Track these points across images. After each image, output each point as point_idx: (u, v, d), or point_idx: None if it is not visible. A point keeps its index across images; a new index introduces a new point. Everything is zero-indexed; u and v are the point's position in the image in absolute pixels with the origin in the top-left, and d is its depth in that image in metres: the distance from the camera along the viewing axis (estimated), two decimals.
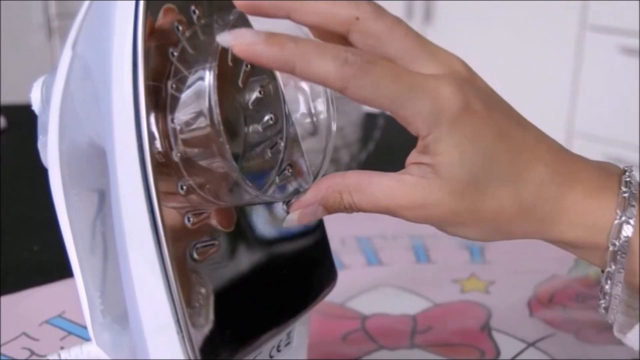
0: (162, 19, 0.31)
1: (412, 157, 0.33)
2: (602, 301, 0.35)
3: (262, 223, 0.34)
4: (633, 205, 0.33)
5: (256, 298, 0.34)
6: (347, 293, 0.56)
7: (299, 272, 0.36)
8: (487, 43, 2.02)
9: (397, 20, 0.33)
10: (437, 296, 0.56)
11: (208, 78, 0.30)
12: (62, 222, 0.38)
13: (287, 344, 0.37)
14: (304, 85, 0.36)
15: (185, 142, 0.30)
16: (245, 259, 0.33)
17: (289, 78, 0.36)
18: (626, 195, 0.34)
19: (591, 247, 0.34)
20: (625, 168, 0.35)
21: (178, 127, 0.30)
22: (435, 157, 0.32)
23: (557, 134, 1.95)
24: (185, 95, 0.30)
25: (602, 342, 0.51)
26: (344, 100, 0.36)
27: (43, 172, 0.38)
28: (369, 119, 0.83)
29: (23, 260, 0.61)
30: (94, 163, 0.35)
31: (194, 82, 0.30)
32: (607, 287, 0.34)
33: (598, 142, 1.91)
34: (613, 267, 0.34)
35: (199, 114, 0.30)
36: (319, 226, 0.38)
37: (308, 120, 0.36)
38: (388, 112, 0.32)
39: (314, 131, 0.36)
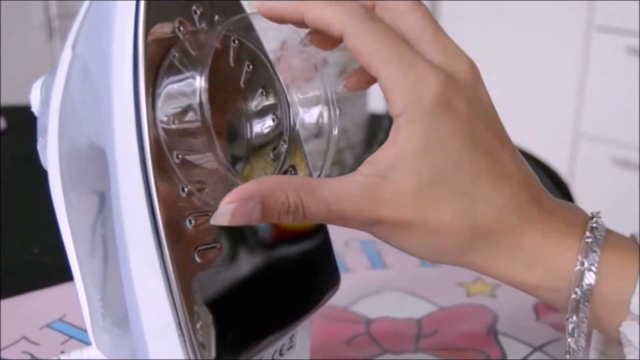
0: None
1: (369, 158, 0.32)
2: (568, 350, 0.33)
3: (264, 226, 0.34)
4: (595, 252, 0.32)
5: (258, 301, 0.33)
6: (351, 296, 0.56)
7: (301, 275, 0.36)
8: (492, 43, 2.02)
9: (419, 3, 0.33)
10: (442, 300, 0.56)
11: (199, 80, 0.30)
12: (61, 224, 0.38)
13: (290, 347, 0.37)
14: (307, 87, 0.35)
15: (179, 138, 0.30)
16: (247, 262, 0.33)
17: (292, 79, 0.36)
18: (589, 240, 0.32)
19: (550, 292, 0.33)
20: (593, 214, 0.34)
21: (172, 124, 0.30)
22: (401, 144, 0.31)
23: (563, 135, 1.96)
24: (175, 91, 0.30)
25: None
26: (347, 102, 0.36)
27: (43, 174, 0.38)
28: (373, 120, 0.82)
29: (23, 262, 0.61)
30: (94, 164, 0.35)
31: (185, 79, 0.30)
32: (569, 340, 0.33)
33: (604, 144, 1.90)
34: (575, 317, 0.32)
35: (189, 109, 0.30)
36: (322, 228, 0.37)
37: (311, 121, 0.36)
38: (374, 76, 0.32)
39: (317, 133, 0.36)
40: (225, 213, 0.29)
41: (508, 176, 0.33)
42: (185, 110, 0.30)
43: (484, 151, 0.32)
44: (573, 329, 0.32)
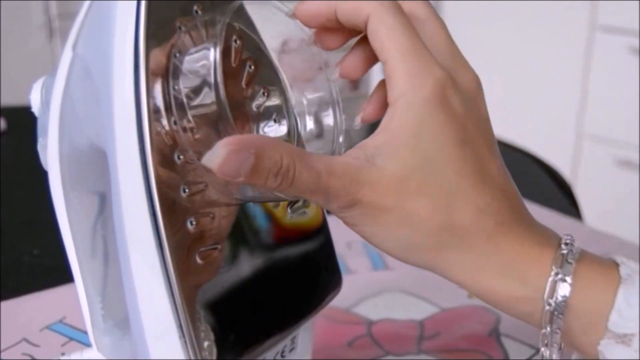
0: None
1: (359, 143, 0.32)
2: None
3: (265, 227, 0.34)
4: (570, 263, 0.32)
5: (259, 303, 0.33)
6: (352, 298, 0.56)
7: (303, 277, 0.36)
8: (495, 44, 2.02)
9: (438, 16, 0.35)
10: (444, 301, 0.56)
11: (213, 54, 0.30)
12: (62, 225, 0.37)
13: (292, 349, 0.36)
14: (310, 86, 0.35)
15: (191, 127, 0.30)
16: (249, 264, 0.33)
17: (294, 79, 0.36)
18: (565, 252, 0.32)
19: (523, 303, 0.32)
20: (566, 235, 0.34)
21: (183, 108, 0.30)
22: (393, 130, 0.31)
23: (566, 136, 1.96)
24: (190, 74, 0.30)
25: None
26: (350, 103, 0.36)
27: (43, 175, 0.38)
28: (375, 121, 0.82)
29: (23, 264, 0.60)
30: (94, 165, 0.35)
31: (198, 59, 0.30)
32: (543, 350, 0.32)
33: (607, 144, 1.90)
34: (549, 328, 0.32)
35: (204, 91, 0.30)
36: (324, 229, 0.37)
37: (313, 122, 0.36)
38: (383, 60, 0.33)
39: (319, 133, 0.36)
40: (218, 155, 0.28)
41: (492, 182, 0.33)
42: (198, 93, 0.30)
43: (472, 153, 0.32)
44: (546, 341, 0.32)
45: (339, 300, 0.39)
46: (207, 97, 0.31)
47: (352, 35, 0.35)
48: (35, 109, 0.38)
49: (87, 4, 0.34)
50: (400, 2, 0.34)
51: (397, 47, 0.32)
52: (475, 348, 0.50)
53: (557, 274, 0.32)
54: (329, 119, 0.35)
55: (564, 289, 0.31)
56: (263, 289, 0.33)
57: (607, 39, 1.87)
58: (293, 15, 0.34)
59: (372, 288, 0.58)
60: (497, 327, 0.53)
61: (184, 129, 0.30)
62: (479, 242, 0.32)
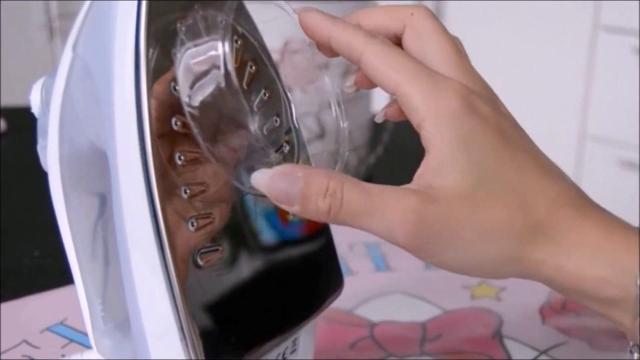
0: None
1: (415, 175, 0.32)
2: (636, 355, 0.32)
3: (266, 228, 0.34)
4: None
5: (260, 305, 0.33)
6: (355, 300, 0.56)
7: (304, 278, 0.36)
8: (498, 44, 2.02)
9: (445, 29, 0.34)
10: (447, 303, 0.56)
11: (221, 47, 0.30)
12: (62, 226, 0.37)
13: (293, 351, 0.36)
14: (311, 88, 0.35)
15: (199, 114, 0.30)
16: (250, 265, 0.33)
17: (296, 80, 0.35)
18: None
19: (612, 289, 0.31)
20: None
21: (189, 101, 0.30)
22: (433, 151, 0.31)
23: (569, 137, 1.95)
24: (196, 68, 0.30)
25: (616, 350, 0.50)
26: (352, 103, 0.35)
27: (43, 176, 0.37)
28: (377, 122, 0.82)
29: (23, 265, 0.60)
30: (94, 166, 0.35)
31: (206, 51, 0.31)
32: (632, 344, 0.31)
33: (611, 145, 1.90)
34: None
35: (214, 85, 0.30)
36: (325, 230, 0.37)
37: (314, 123, 0.36)
38: (391, 90, 0.32)
39: (320, 134, 0.36)
40: (266, 174, 0.30)
41: (553, 170, 0.32)
42: (202, 91, 0.30)
43: (521, 149, 0.32)
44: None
45: (341, 302, 0.39)
46: (211, 93, 0.30)
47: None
48: (35, 109, 0.38)
49: (87, 4, 0.34)
50: (407, 15, 0.34)
51: (402, 71, 0.32)
52: (478, 350, 0.50)
53: None
54: (330, 119, 0.35)
55: None
56: (264, 290, 0.33)
57: (610, 39, 1.87)
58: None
59: (374, 290, 0.57)
60: (500, 329, 0.52)
61: (185, 130, 0.30)
62: (563, 232, 0.31)
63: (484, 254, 0.31)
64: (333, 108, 0.35)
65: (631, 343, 0.31)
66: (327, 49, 0.34)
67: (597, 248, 0.31)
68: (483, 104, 0.32)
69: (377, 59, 0.32)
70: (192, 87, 0.30)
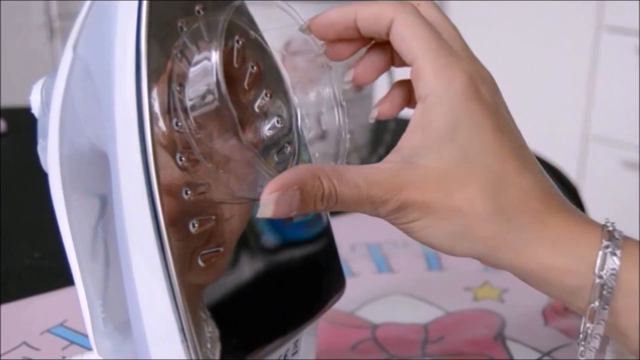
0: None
1: (396, 146, 0.33)
2: (581, 343, 0.33)
3: (267, 229, 0.34)
4: (618, 239, 0.32)
5: (262, 306, 0.33)
6: (356, 301, 0.56)
7: (306, 280, 0.36)
8: (500, 44, 2.01)
9: (449, 20, 0.36)
10: (449, 304, 0.56)
11: (214, 57, 0.30)
12: (62, 227, 0.37)
13: (295, 353, 0.36)
14: (313, 88, 0.35)
15: (196, 124, 0.30)
16: (251, 266, 0.33)
17: (298, 80, 0.35)
18: (610, 229, 0.33)
19: (571, 278, 0.33)
20: (607, 219, 0.34)
21: (189, 104, 0.30)
22: (429, 125, 0.32)
23: (572, 138, 1.95)
24: (192, 74, 0.31)
25: None
26: (353, 104, 0.35)
27: (43, 177, 0.37)
28: (380, 122, 0.82)
29: (23, 267, 0.60)
30: (95, 167, 0.35)
31: (200, 61, 0.31)
32: (589, 325, 0.33)
33: (614, 146, 1.89)
34: (597, 303, 0.32)
35: (206, 91, 0.30)
36: (327, 231, 0.37)
37: (316, 124, 0.36)
38: (409, 61, 0.34)
39: (322, 135, 0.36)
40: (268, 204, 0.30)
41: (531, 165, 0.34)
42: (201, 93, 0.31)
43: (509, 138, 0.33)
44: (592, 313, 0.32)
45: (343, 304, 0.38)
46: (209, 97, 0.30)
47: (363, 44, 0.36)
48: (36, 110, 0.38)
49: (87, 4, 0.34)
50: (414, 4, 0.35)
51: (424, 46, 0.33)
52: (480, 352, 0.50)
53: (607, 247, 0.32)
54: (332, 120, 0.35)
55: (613, 262, 0.32)
56: (266, 291, 0.33)
57: (614, 39, 1.86)
58: (307, 29, 0.35)
59: (376, 291, 0.57)
60: (502, 331, 0.52)
61: (186, 130, 0.30)
62: (528, 222, 0.33)
63: (452, 232, 0.33)
64: (333, 109, 0.35)
65: (581, 336, 0.33)
66: (344, 45, 0.35)
67: (559, 239, 0.33)
68: (486, 91, 0.33)
69: (406, 29, 0.33)
70: (189, 97, 0.30)
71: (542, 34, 1.97)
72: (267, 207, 0.30)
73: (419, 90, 0.33)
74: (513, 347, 0.50)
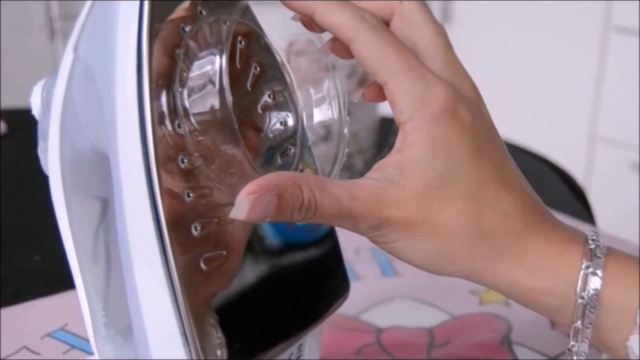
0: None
1: (377, 164, 0.33)
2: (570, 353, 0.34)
3: (270, 232, 0.33)
4: (600, 257, 0.33)
5: (265, 310, 0.33)
6: (361, 305, 0.55)
7: (309, 283, 0.35)
8: (506, 44, 2.01)
9: (436, 21, 0.35)
10: (455, 308, 0.56)
11: (219, 61, 0.30)
12: (63, 230, 0.37)
13: (298, 357, 0.36)
14: (317, 88, 0.35)
15: (197, 130, 0.30)
16: (254, 269, 0.32)
17: (301, 81, 0.35)
18: (592, 247, 0.33)
19: (556, 297, 0.33)
20: (592, 231, 0.34)
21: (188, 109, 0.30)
22: (409, 149, 0.32)
23: (579, 139, 1.94)
24: (195, 77, 0.31)
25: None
26: (358, 106, 0.35)
27: (44, 179, 0.37)
28: (383, 124, 0.82)
29: (24, 270, 0.60)
30: (96, 169, 0.35)
31: (203, 64, 0.31)
32: (573, 344, 0.33)
33: (621, 148, 1.89)
34: (579, 322, 0.32)
35: (209, 96, 0.30)
36: (331, 234, 0.37)
37: (320, 125, 0.35)
38: (380, 83, 0.33)
39: (326, 137, 0.36)
40: (243, 205, 0.29)
41: (511, 185, 0.34)
42: (204, 96, 0.30)
43: (488, 160, 0.33)
44: (575, 332, 0.33)
45: (347, 307, 0.38)
46: (212, 101, 0.30)
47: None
48: (36, 111, 0.38)
49: (88, 4, 0.34)
50: (396, 4, 0.34)
51: (392, 69, 0.32)
52: (486, 356, 0.50)
53: (587, 267, 0.32)
54: (335, 122, 0.35)
55: (595, 282, 0.32)
56: (269, 295, 0.33)
57: (622, 39, 1.85)
58: (298, 19, 0.34)
59: (381, 295, 0.57)
60: (508, 335, 0.52)
61: (188, 132, 0.30)
62: (508, 244, 0.33)
63: (432, 252, 0.33)
64: (336, 111, 0.35)
65: (572, 343, 0.33)
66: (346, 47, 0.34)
67: (538, 261, 0.33)
68: (465, 110, 0.33)
69: (368, 51, 0.32)
70: (190, 98, 0.30)
71: (549, 35, 1.96)
72: (241, 209, 0.29)
73: (397, 116, 0.33)
74: (520, 351, 0.50)
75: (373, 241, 0.33)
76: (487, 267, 0.33)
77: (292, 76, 0.35)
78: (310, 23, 0.34)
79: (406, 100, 0.32)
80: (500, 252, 0.33)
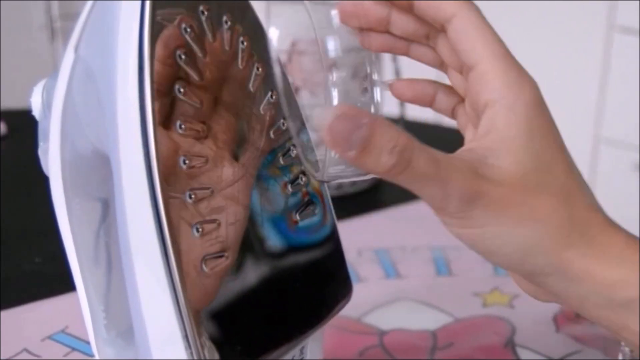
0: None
1: (466, 147, 0.32)
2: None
3: (273, 234, 0.33)
4: None
5: (267, 312, 0.33)
6: (364, 307, 0.55)
7: (312, 285, 0.35)
8: (509, 44, 2.00)
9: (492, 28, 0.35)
10: (458, 310, 0.55)
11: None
12: (63, 232, 0.37)
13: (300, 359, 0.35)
14: (318, 89, 0.35)
15: None
16: (256, 271, 0.32)
17: (303, 81, 0.35)
18: None
19: (633, 292, 0.31)
20: None
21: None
22: (501, 130, 0.32)
23: (584, 140, 1.94)
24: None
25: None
26: (361, 106, 0.35)
27: (44, 180, 0.37)
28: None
29: (24, 272, 0.60)
30: (97, 170, 0.35)
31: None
32: None
33: (626, 149, 1.88)
34: None
35: None
36: (334, 236, 0.37)
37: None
38: (470, 63, 0.33)
39: None
40: (330, 111, 0.26)
41: (585, 183, 0.34)
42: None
43: (569, 155, 0.34)
44: None
45: (350, 310, 0.38)
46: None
47: (398, 45, 0.36)
48: (36, 112, 0.38)
49: (89, 4, 0.33)
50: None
51: (492, 51, 0.33)
52: (490, 359, 0.50)
53: None
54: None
55: None
56: (271, 297, 0.33)
57: (626, 40, 1.85)
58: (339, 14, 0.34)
59: (384, 297, 0.57)
60: (512, 338, 0.52)
61: (189, 133, 0.30)
62: (596, 234, 0.32)
63: (522, 238, 0.31)
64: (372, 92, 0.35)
65: (622, 343, 0.33)
66: (379, 38, 0.35)
67: (622, 251, 0.32)
68: (546, 106, 0.34)
69: (471, 27, 0.33)
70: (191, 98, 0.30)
71: (552, 35, 1.96)
72: (325, 113, 0.26)
73: (486, 94, 0.32)
74: (524, 354, 0.50)
75: (455, 227, 0.31)
76: (575, 258, 0.32)
77: (294, 77, 0.35)
78: (365, 39, 0.35)
79: (500, 83, 0.32)
80: (589, 242, 0.32)
